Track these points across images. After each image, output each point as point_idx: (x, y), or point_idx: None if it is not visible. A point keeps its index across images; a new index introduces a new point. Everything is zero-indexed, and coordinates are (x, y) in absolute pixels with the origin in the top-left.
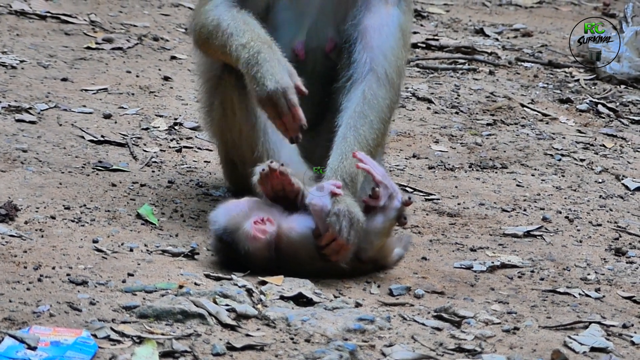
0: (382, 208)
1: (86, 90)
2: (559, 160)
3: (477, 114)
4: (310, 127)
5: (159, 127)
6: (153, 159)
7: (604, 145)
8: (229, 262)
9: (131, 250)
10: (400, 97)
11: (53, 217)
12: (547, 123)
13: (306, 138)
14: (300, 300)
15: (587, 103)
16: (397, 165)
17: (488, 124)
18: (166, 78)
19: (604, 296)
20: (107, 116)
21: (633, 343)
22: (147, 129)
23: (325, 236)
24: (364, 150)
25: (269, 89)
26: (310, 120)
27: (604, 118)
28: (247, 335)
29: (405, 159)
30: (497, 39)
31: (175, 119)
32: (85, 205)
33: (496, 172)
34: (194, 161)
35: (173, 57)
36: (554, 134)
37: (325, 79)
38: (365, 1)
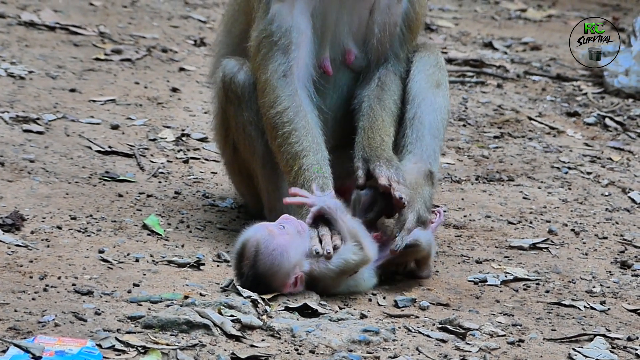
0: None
1: (94, 101)
2: (566, 173)
3: (484, 126)
4: (338, 139)
5: (166, 138)
6: (160, 170)
7: (610, 159)
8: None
9: (137, 260)
10: None
11: (59, 227)
12: (554, 136)
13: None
14: (306, 311)
15: (594, 116)
16: None
17: (495, 137)
18: (174, 89)
19: (609, 309)
20: (115, 127)
21: (638, 356)
22: (154, 139)
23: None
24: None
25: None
26: (337, 132)
27: (611, 131)
28: (252, 345)
29: None
30: (505, 52)
31: (183, 130)
32: (91, 215)
33: (503, 185)
34: (200, 172)
35: (181, 69)
36: (561, 146)
37: (350, 91)
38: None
